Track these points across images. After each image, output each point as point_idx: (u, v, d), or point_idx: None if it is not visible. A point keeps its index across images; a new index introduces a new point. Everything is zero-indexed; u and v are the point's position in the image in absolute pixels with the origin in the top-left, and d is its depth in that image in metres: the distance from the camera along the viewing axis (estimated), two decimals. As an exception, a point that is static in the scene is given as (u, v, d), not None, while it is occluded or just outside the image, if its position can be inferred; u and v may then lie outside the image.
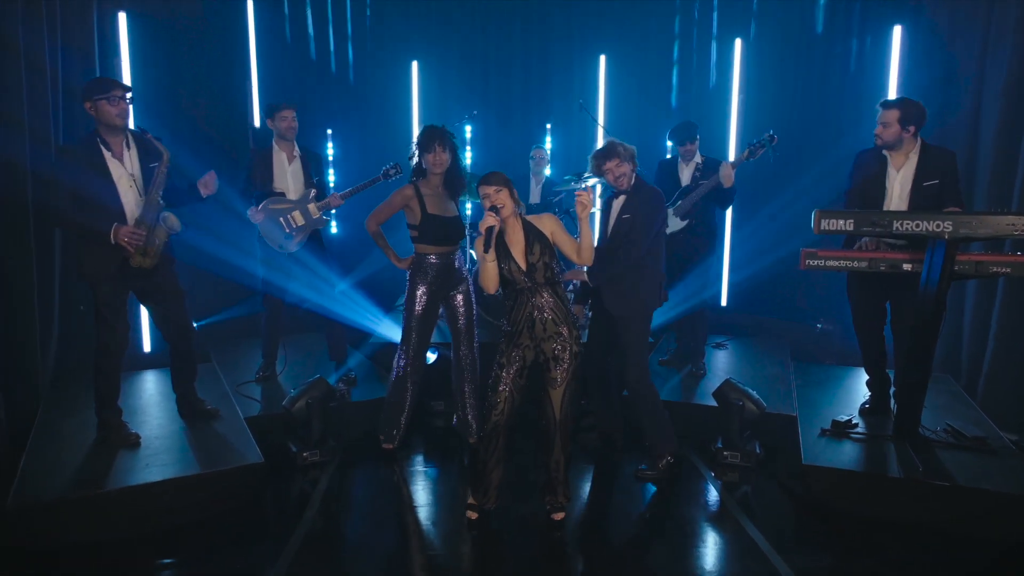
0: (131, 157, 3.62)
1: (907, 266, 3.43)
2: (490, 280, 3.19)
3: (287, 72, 6.41)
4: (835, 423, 3.90)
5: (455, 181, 3.98)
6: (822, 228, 3.37)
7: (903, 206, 3.69)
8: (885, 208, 3.75)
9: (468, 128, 7.05)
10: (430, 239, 3.94)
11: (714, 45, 6.67)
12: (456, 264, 4.07)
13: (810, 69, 6.10)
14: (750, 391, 4.02)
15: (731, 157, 6.10)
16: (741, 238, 6.32)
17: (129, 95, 3.56)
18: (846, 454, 3.64)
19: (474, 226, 5.99)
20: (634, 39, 6.84)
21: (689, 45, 6.76)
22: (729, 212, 6.11)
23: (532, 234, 3.23)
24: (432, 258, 3.96)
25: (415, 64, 6.93)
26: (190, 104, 5.68)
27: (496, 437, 3.25)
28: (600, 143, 7.06)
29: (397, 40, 6.89)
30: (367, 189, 4.69)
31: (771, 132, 4.46)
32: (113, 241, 3.49)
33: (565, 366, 3.22)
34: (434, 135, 3.90)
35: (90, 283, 3.61)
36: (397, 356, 4.07)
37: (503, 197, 3.17)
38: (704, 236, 4.86)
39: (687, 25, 6.70)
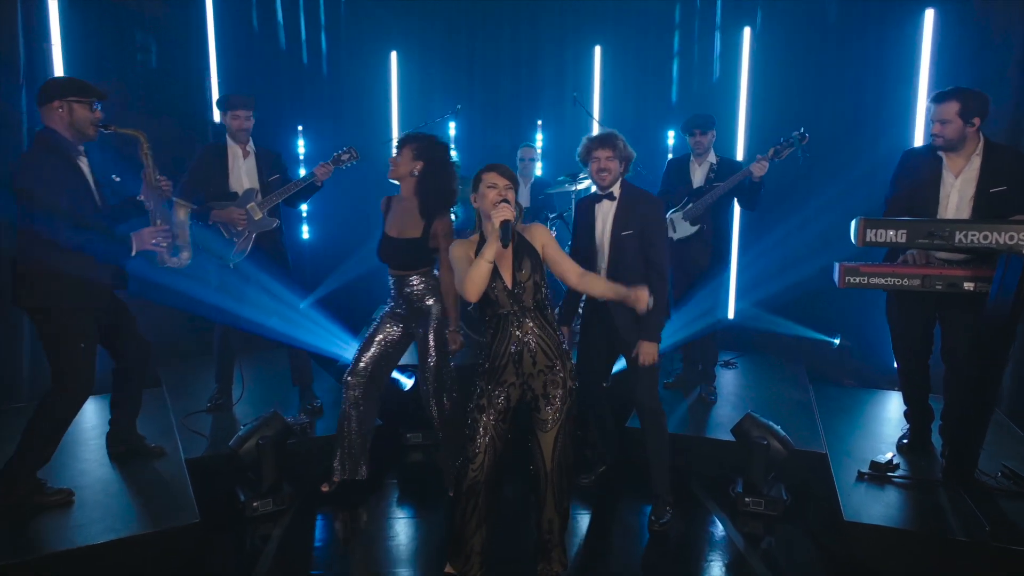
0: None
1: (969, 285, 2.88)
2: (477, 284, 2.51)
3: (254, 63, 5.84)
4: (875, 465, 3.36)
5: (430, 198, 3.33)
6: (867, 240, 2.84)
7: (963, 215, 3.15)
8: (939, 217, 3.20)
9: (452, 125, 6.50)
10: (382, 256, 3.46)
11: (718, 36, 6.17)
12: (409, 292, 3.43)
13: (826, 60, 5.57)
14: (775, 427, 3.48)
15: (739, 157, 5.60)
16: (754, 248, 5.76)
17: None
18: (892, 506, 3.10)
19: (462, 234, 5.43)
20: (631, 29, 6.33)
21: (691, 35, 6.27)
22: (737, 217, 5.58)
23: (521, 247, 2.67)
24: (389, 279, 3.48)
25: (394, 55, 6.39)
26: (139, 98, 5.08)
27: (475, 496, 2.67)
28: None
29: (375, 29, 6.34)
30: (327, 179, 4.11)
31: (801, 130, 3.95)
32: (135, 252, 3.05)
33: (557, 405, 2.66)
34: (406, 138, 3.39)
35: (56, 313, 2.99)
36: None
37: (512, 196, 2.63)
38: (716, 244, 4.32)
39: (688, 14, 6.20)
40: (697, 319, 4.30)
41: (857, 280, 2.99)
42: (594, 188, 3.32)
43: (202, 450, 3.67)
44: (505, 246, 2.48)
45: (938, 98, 3.13)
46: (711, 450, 3.87)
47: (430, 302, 3.37)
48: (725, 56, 6.01)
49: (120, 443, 3.56)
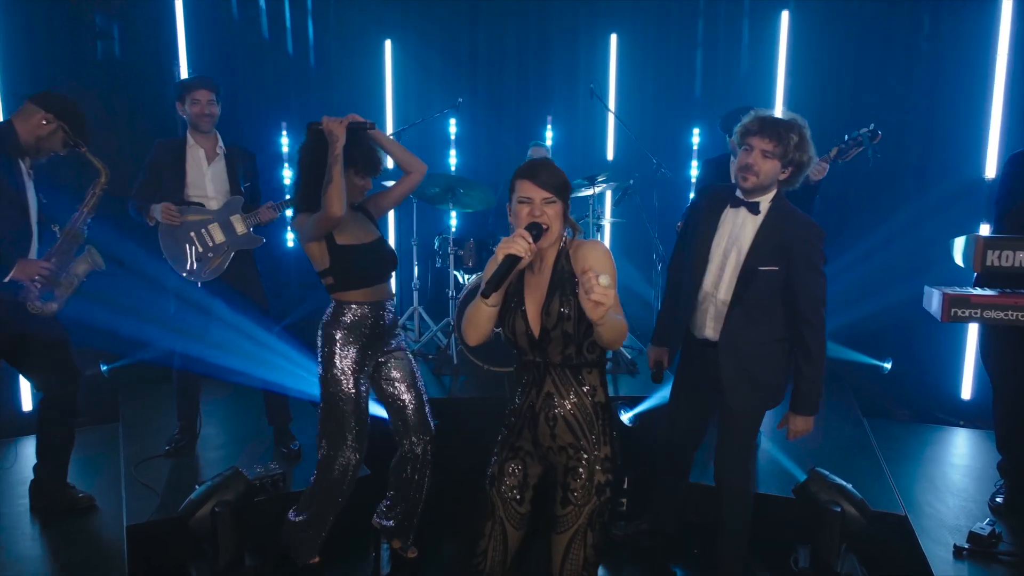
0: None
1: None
2: (478, 329, 1.95)
3: (234, 53, 5.30)
4: (975, 537, 2.74)
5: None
6: (988, 263, 2.21)
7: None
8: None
9: (453, 121, 5.91)
10: (350, 280, 2.68)
11: (746, 22, 5.58)
12: (387, 317, 2.79)
13: (877, 47, 4.98)
14: (846, 486, 2.85)
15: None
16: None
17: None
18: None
19: (460, 243, 4.82)
20: (650, 16, 5.84)
21: (716, 22, 5.74)
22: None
23: (561, 277, 1.97)
24: (354, 308, 2.69)
25: (388, 44, 5.83)
26: (98, 97, 4.52)
27: None
28: (612, 138, 6.00)
29: (367, 15, 5.79)
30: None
31: (872, 126, 3.35)
32: (8, 278, 2.70)
33: (574, 503, 1.99)
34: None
35: None
36: (324, 452, 2.75)
37: (552, 213, 1.91)
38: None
39: (713, -1, 5.65)
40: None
41: (967, 313, 2.36)
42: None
43: (150, 510, 3.03)
44: (487, 293, 1.79)
45: None
46: (763, 507, 3.22)
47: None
48: (755, 45, 5.46)
49: (44, 495, 2.99)
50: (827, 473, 2.88)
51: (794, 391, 2.54)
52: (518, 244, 1.77)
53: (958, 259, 2.38)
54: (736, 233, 2.46)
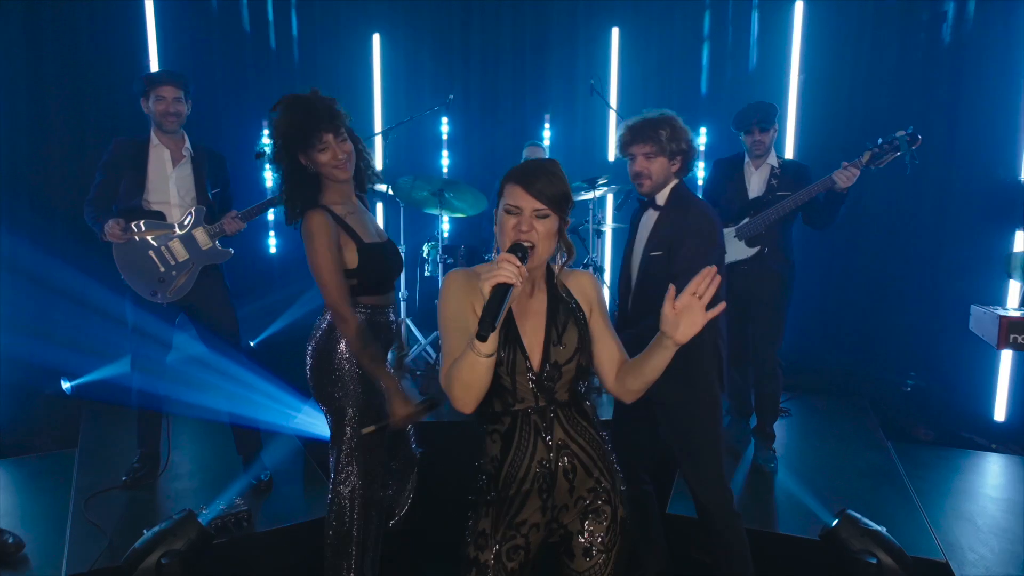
0: None
1: None
2: (476, 388, 1.54)
3: (212, 47, 5.01)
4: (1030, 593, 2.41)
5: (362, 179, 2.42)
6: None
7: None
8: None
9: (444, 120, 5.59)
10: (373, 283, 2.36)
11: (756, 14, 5.26)
12: (392, 320, 2.49)
13: (897, 38, 4.67)
14: (881, 531, 2.51)
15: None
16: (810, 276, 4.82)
17: None
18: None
19: (451, 251, 4.49)
20: (654, 8, 5.51)
21: (723, 15, 5.41)
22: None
23: (560, 306, 1.68)
24: (365, 311, 2.36)
25: (376, 38, 5.55)
26: (61, 96, 4.29)
27: None
28: (613, 138, 5.66)
29: (354, 7, 5.52)
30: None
31: (910, 129, 3.04)
32: None
33: (608, 551, 1.66)
34: (312, 115, 2.18)
35: None
36: (336, 489, 2.33)
37: (544, 230, 1.57)
38: (780, 269, 3.37)
39: (721, -9, 5.35)
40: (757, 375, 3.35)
41: (1028, 340, 2.03)
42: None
43: (94, 556, 2.68)
44: (483, 337, 1.43)
45: None
46: (782, 549, 2.90)
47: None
48: (766, 38, 5.15)
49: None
50: (859, 516, 2.54)
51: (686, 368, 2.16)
52: (505, 270, 1.42)
53: (1015, 275, 2.05)
54: (643, 232, 2.50)
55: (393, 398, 2.23)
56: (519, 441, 1.66)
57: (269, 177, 5.21)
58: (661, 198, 2.45)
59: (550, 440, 1.65)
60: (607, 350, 1.70)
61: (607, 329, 1.72)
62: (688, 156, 2.44)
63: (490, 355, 1.48)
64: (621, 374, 1.67)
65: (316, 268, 2.18)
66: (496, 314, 1.41)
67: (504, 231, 1.58)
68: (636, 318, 2.45)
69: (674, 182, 2.45)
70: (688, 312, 1.48)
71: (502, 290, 1.42)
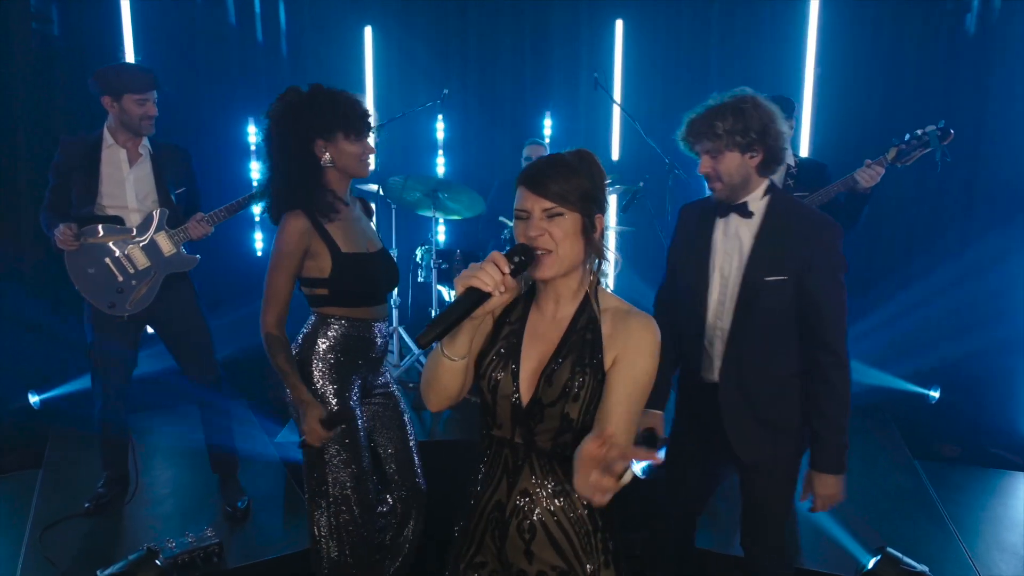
0: None
1: None
2: (437, 388, 1.38)
3: (196, 39, 4.78)
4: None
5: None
6: None
7: None
8: None
9: (440, 117, 5.36)
10: (347, 295, 2.16)
11: (767, 6, 5.09)
12: (378, 336, 2.28)
13: (919, 31, 4.46)
14: (922, 570, 2.25)
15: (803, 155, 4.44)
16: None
17: None
18: None
19: (445, 255, 4.22)
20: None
21: (734, 6, 5.19)
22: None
23: (577, 339, 1.37)
24: (343, 324, 2.18)
25: (368, 31, 5.34)
26: (34, 86, 4.05)
27: None
28: (617, 135, 5.44)
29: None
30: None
31: (942, 124, 2.80)
32: None
33: None
34: (355, 107, 2.11)
35: None
36: (318, 526, 2.14)
37: (560, 232, 1.31)
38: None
39: (730, -22, 5.15)
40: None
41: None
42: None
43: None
44: (418, 344, 1.30)
45: None
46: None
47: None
48: (778, 31, 4.94)
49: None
50: (900, 556, 2.29)
51: (813, 443, 1.95)
52: (483, 274, 1.22)
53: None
54: (731, 245, 2.00)
55: (307, 412, 2.04)
56: (488, 471, 1.45)
57: (256, 171, 5.00)
58: (755, 204, 1.97)
59: (511, 483, 1.40)
60: (610, 408, 1.30)
61: (623, 393, 1.31)
62: (771, 147, 1.91)
63: (453, 358, 1.32)
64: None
65: (269, 266, 2.08)
66: (450, 321, 1.23)
67: (517, 234, 1.36)
68: (731, 366, 1.99)
69: (764, 183, 1.97)
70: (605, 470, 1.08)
71: (473, 296, 1.22)
